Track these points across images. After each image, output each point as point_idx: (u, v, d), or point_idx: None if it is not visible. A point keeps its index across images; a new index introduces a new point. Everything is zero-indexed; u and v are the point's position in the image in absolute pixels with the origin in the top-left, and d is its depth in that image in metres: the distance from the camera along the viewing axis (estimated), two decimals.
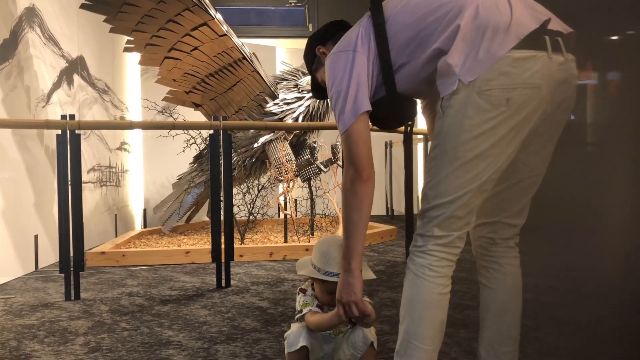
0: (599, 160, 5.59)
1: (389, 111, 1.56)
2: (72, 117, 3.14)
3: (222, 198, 3.52)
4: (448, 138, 1.41)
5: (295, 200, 5.76)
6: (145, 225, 6.79)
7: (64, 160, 3.14)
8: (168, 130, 5.42)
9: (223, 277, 3.48)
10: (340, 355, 1.80)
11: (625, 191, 4.93)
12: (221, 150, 3.45)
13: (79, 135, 3.18)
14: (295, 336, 1.77)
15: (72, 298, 3.18)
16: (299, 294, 1.84)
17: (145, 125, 3.71)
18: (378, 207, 7.99)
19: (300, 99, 4.98)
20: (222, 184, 3.47)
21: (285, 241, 4.94)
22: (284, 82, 5.12)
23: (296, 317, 1.82)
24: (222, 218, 3.51)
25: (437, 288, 1.46)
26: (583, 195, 5.40)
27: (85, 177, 5.00)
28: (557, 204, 5.61)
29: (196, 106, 5.22)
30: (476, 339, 1.70)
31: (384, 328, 2.48)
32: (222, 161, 3.45)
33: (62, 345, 2.36)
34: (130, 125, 3.46)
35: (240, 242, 4.91)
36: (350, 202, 1.50)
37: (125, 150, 6.33)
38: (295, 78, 5.11)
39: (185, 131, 5.43)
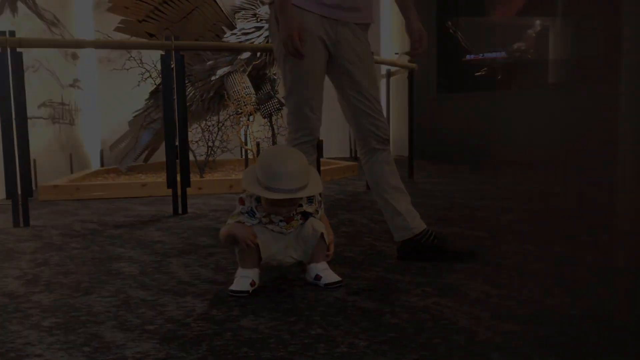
0: (560, 101, 5.62)
1: None
2: (12, 33, 2.95)
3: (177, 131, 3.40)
4: None
5: (258, 144, 5.65)
6: (102, 166, 6.61)
7: (5, 80, 2.96)
8: (122, 63, 5.25)
9: (180, 203, 3.41)
10: (291, 252, 1.76)
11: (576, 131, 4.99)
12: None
13: (21, 54, 3.00)
14: None
15: (21, 225, 3.07)
16: (237, 203, 1.79)
17: (94, 44, 3.52)
18: (342, 149, 7.98)
19: (259, 28, 4.81)
20: (176, 107, 3.35)
21: None
22: (242, 12, 4.94)
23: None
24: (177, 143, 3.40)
25: None
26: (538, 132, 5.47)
27: (36, 112, 4.79)
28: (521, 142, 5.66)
29: (150, 36, 5.01)
30: None
31: (341, 241, 2.47)
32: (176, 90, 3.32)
33: (6, 262, 2.27)
34: (76, 44, 3.28)
35: (199, 177, 4.82)
36: None
37: (78, 87, 6.07)
38: (253, 7, 4.93)
39: (140, 64, 5.23)
